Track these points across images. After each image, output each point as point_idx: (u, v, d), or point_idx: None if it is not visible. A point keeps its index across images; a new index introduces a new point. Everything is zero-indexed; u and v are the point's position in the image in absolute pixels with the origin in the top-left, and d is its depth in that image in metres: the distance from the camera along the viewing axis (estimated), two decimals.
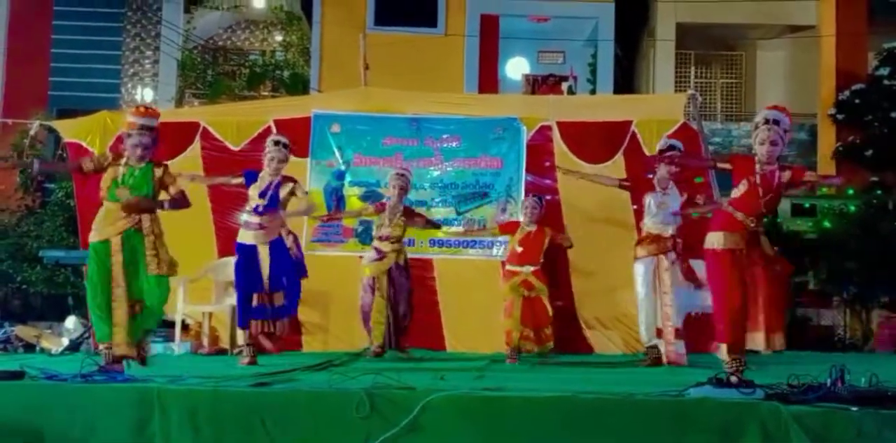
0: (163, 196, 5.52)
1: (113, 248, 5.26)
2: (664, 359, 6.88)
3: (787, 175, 5.13)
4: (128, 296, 5.24)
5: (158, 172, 5.39)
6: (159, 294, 5.36)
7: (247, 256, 6.56)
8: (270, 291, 6.51)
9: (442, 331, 8.46)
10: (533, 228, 7.42)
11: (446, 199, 8.59)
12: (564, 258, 8.13)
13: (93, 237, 5.35)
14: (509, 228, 7.65)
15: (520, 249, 7.40)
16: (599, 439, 3.90)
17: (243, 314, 6.58)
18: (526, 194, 8.41)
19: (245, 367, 6.26)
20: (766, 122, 5.05)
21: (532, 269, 7.33)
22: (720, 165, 5.47)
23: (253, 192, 6.64)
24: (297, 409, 4.09)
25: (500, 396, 4.12)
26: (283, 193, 6.66)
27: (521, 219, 7.63)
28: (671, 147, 7.11)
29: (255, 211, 6.59)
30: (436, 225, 7.98)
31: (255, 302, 6.50)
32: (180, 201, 5.50)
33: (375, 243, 7.59)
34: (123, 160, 5.37)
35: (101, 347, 5.34)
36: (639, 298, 7.08)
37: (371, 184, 8.61)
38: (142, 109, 5.53)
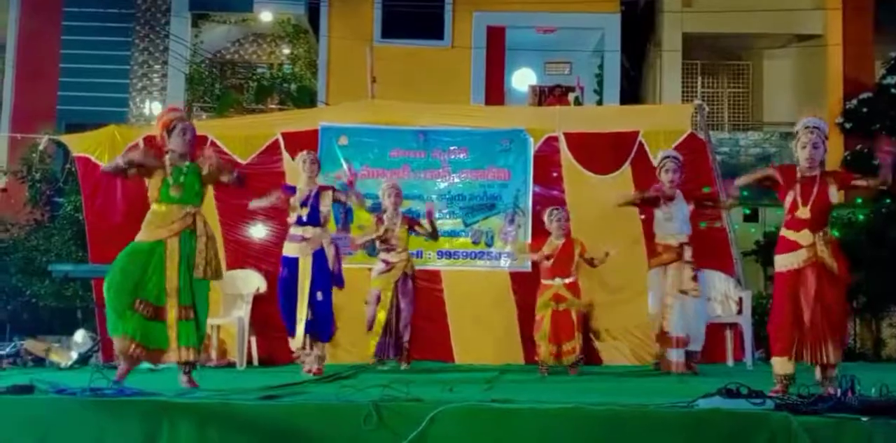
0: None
1: (169, 247, 5.27)
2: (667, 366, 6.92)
3: (833, 179, 5.19)
4: (179, 301, 5.26)
5: (204, 169, 5.45)
6: (202, 301, 5.39)
7: (290, 268, 6.68)
8: (310, 302, 6.58)
9: (450, 343, 8.47)
10: (562, 240, 7.25)
11: (454, 210, 8.61)
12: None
13: (139, 237, 5.34)
14: (537, 245, 7.47)
15: (549, 263, 7.21)
16: None
17: (290, 326, 6.72)
18: (534, 206, 8.43)
19: (253, 379, 6.25)
20: (806, 127, 5.18)
21: (563, 282, 7.14)
22: (764, 176, 5.37)
23: (295, 203, 6.73)
24: (305, 421, 4.07)
25: (509, 408, 4.09)
26: (323, 203, 6.75)
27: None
28: (666, 157, 7.19)
29: (298, 222, 6.73)
30: (434, 237, 7.82)
31: (300, 314, 6.59)
32: (243, 178, 5.67)
33: (382, 255, 7.62)
34: (168, 162, 5.42)
35: (117, 340, 5.25)
36: (649, 309, 7.10)
37: (379, 196, 8.62)
38: (171, 107, 5.63)
